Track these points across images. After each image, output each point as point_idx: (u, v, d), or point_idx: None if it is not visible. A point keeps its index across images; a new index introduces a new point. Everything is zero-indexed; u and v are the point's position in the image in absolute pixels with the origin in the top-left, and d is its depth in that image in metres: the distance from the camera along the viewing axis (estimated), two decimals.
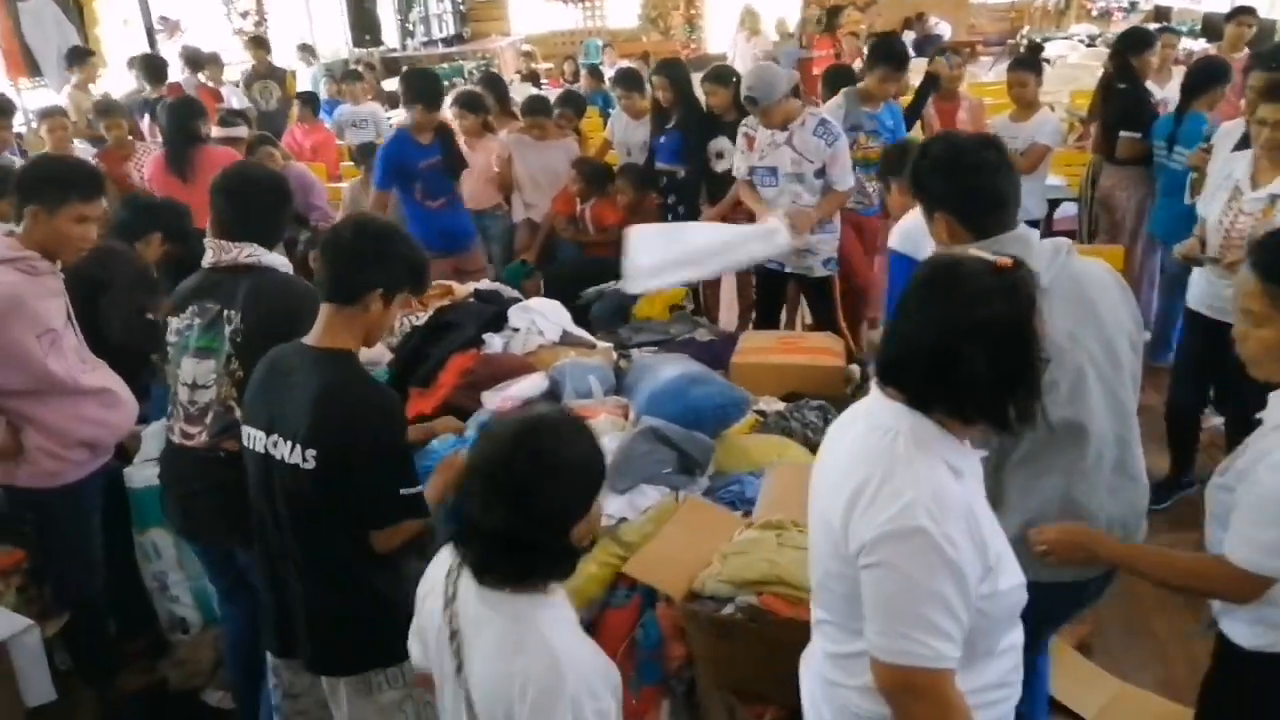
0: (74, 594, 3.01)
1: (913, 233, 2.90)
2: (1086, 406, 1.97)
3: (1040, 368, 1.46)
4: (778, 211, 4.35)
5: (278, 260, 2.59)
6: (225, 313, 2.50)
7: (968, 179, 2.04)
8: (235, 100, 8.26)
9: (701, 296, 5.77)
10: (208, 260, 2.57)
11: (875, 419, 1.54)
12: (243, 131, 6.13)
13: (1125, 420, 2.06)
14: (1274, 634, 1.85)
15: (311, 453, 2.02)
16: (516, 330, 3.62)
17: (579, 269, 5.41)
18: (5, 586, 3.01)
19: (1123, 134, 4.83)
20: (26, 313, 2.66)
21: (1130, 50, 4.95)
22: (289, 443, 2.05)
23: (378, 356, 3.71)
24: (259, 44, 9.25)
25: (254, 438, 2.14)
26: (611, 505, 2.76)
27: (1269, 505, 1.72)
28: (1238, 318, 1.87)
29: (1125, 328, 2.07)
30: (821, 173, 4.42)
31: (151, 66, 7.59)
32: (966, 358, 1.42)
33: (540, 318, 3.67)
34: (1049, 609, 2.05)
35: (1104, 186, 5.01)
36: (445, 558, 1.65)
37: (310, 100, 8.05)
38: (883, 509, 1.43)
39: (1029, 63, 5.40)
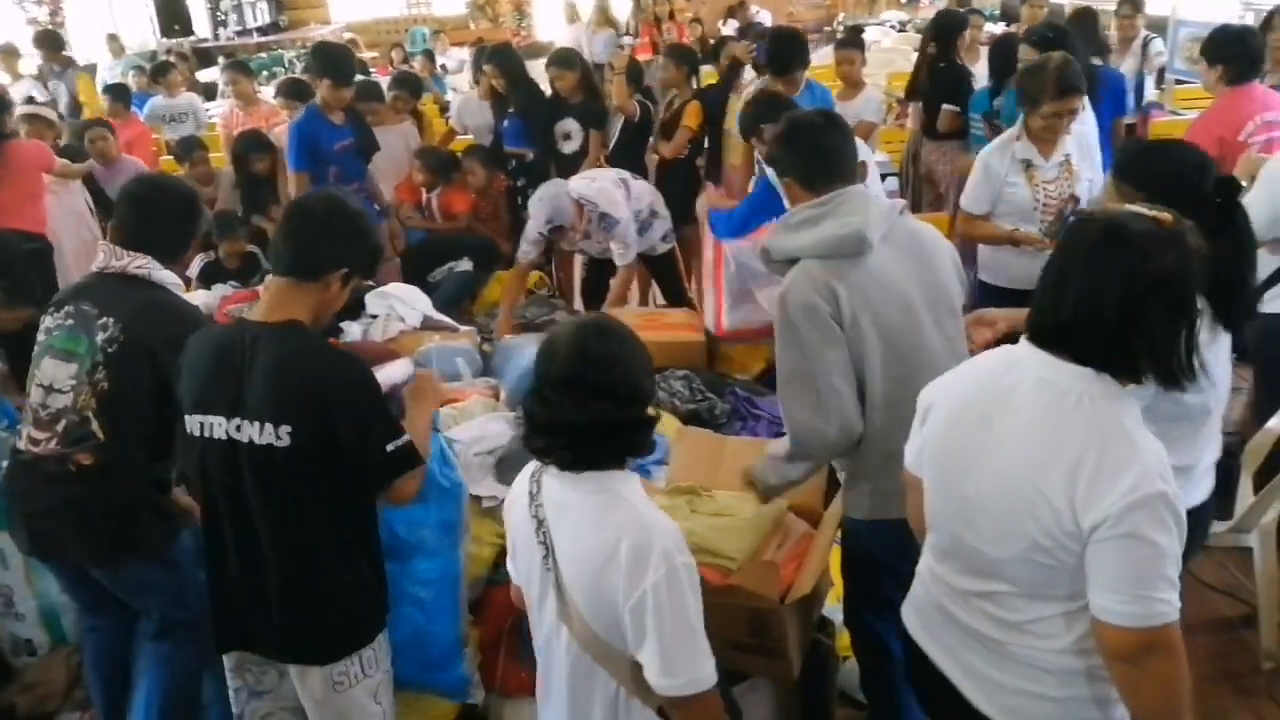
0: None
1: None
2: (924, 343, 2.15)
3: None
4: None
5: (169, 278, 2.47)
6: (102, 319, 2.35)
7: (801, 140, 2.24)
8: (37, 93, 7.66)
9: (555, 279, 5.81)
10: (97, 264, 2.43)
11: (1054, 384, 1.52)
12: (49, 113, 5.70)
13: (957, 358, 2.18)
14: None
15: (285, 429, 1.94)
16: (375, 317, 3.56)
17: (428, 250, 5.30)
18: None
19: (945, 107, 5.16)
20: None
21: (952, 31, 5.29)
22: (256, 423, 1.96)
23: None
24: (49, 41, 8.49)
25: (212, 425, 2.01)
26: (493, 488, 2.77)
27: None
28: None
29: (954, 280, 2.28)
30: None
31: None
32: (1150, 313, 1.44)
33: (399, 303, 3.61)
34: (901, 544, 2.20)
35: (926, 161, 5.34)
36: (528, 469, 1.76)
37: (121, 93, 7.54)
38: (1116, 480, 1.43)
39: (854, 43, 5.66)
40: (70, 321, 2.38)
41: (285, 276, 2.04)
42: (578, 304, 5.41)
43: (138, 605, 2.52)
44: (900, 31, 12.95)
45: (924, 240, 2.26)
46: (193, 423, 2.05)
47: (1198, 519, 2.10)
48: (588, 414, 1.58)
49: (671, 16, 10.87)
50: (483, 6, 16.35)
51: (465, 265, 5.02)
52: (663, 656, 1.53)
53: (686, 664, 1.54)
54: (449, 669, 2.51)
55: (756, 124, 3.65)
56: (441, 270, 4.98)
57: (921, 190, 5.45)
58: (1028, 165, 3.50)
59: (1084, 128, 3.65)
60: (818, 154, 2.21)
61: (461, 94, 8.09)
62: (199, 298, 3.97)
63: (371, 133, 5.15)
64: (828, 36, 13.84)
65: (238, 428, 1.98)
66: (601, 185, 4.34)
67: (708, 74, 6.25)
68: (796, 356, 2.15)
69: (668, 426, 3.21)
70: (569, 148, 5.33)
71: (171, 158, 7.22)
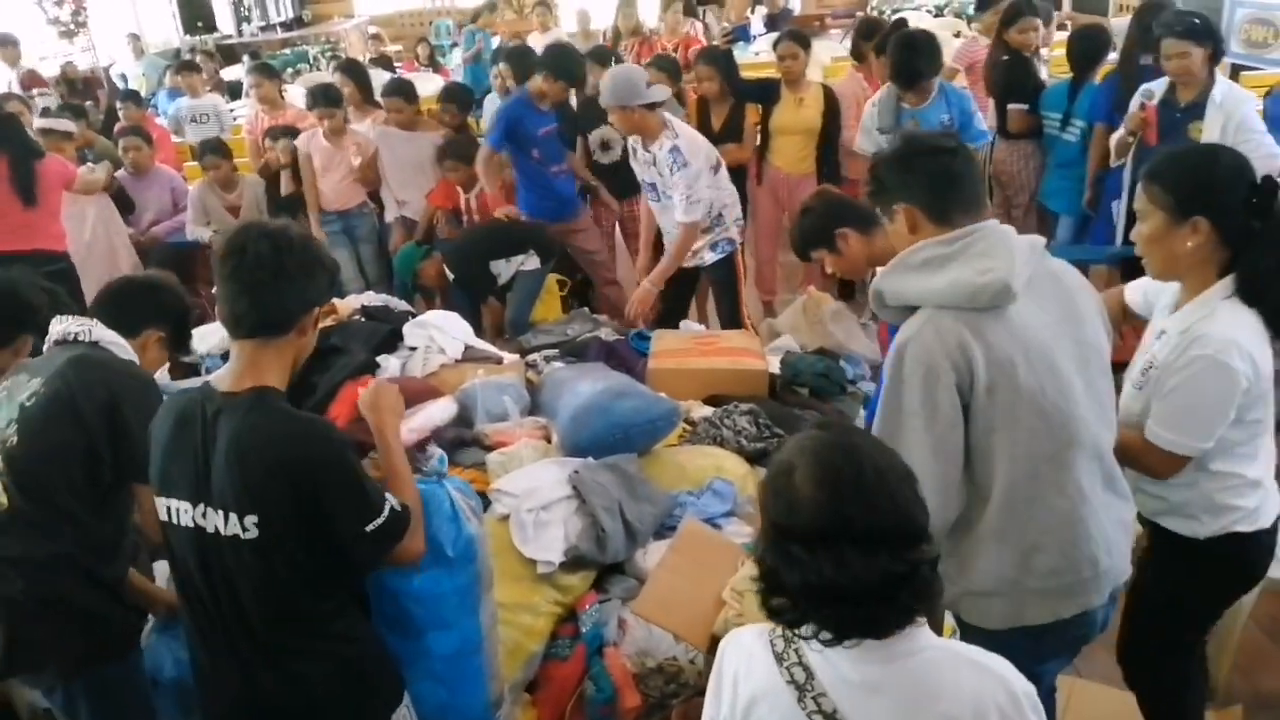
0: None
1: None
2: (1077, 412, 1.82)
3: None
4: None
5: (108, 336, 2.23)
6: (31, 381, 2.14)
7: (925, 162, 1.89)
8: (53, 102, 7.46)
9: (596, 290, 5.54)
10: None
11: None
12: (66, 125, 5.43)
13: (1107, 428, 1.92)
14: (1223, 518, 2.10)
15: (251, 519, 1.69)
16: (414, 349, 3.28)
17: (490, 236, 4.95)
18: None
19: (1011, 107, 4.78)
20: None
21: (1006, 24, 4.87)
22: (220, 512, 1.71)
23: None
24: None
25: (177, 511, 1.77)
26: (548, 550, 2.50)
27: (1178, 399, 2.00)
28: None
29: (1101, 333, 1.95)
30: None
31: None
32: None
33: (439, 333, 3.33)
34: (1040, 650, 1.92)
35: (997, 160, 4.98)
36: (749, 646, 1.36)
37: (135, 97, 7.30)
38: None
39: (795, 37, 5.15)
40: (2, 393, 2.15)
41: (250, 338, 1.76)
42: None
43: None
44: (937, 16, 12.45)
45: (1069, 286, 1.92)
46: (161, 505, 1.82)
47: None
48: (853, 572, 1.20)
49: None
50: None
51: (533, 261, 4.76)
52: None
53: None
54: None
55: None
56: (504, 263, 4.73)
57: (993, 192, 5.08)
58: None
59: None
60: (948, 179, 1.87)
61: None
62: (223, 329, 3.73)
63: (574, 117, 5.22)
64: (861, 23, 13.36)
65: (203, 515, 1.75)
66: (695, 139, 4.08)
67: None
68: (891, 421, 1.83)
69: (735, 470, 2.92)
70: (607, 158, 5.02)
71: (195, 161, 7.03)
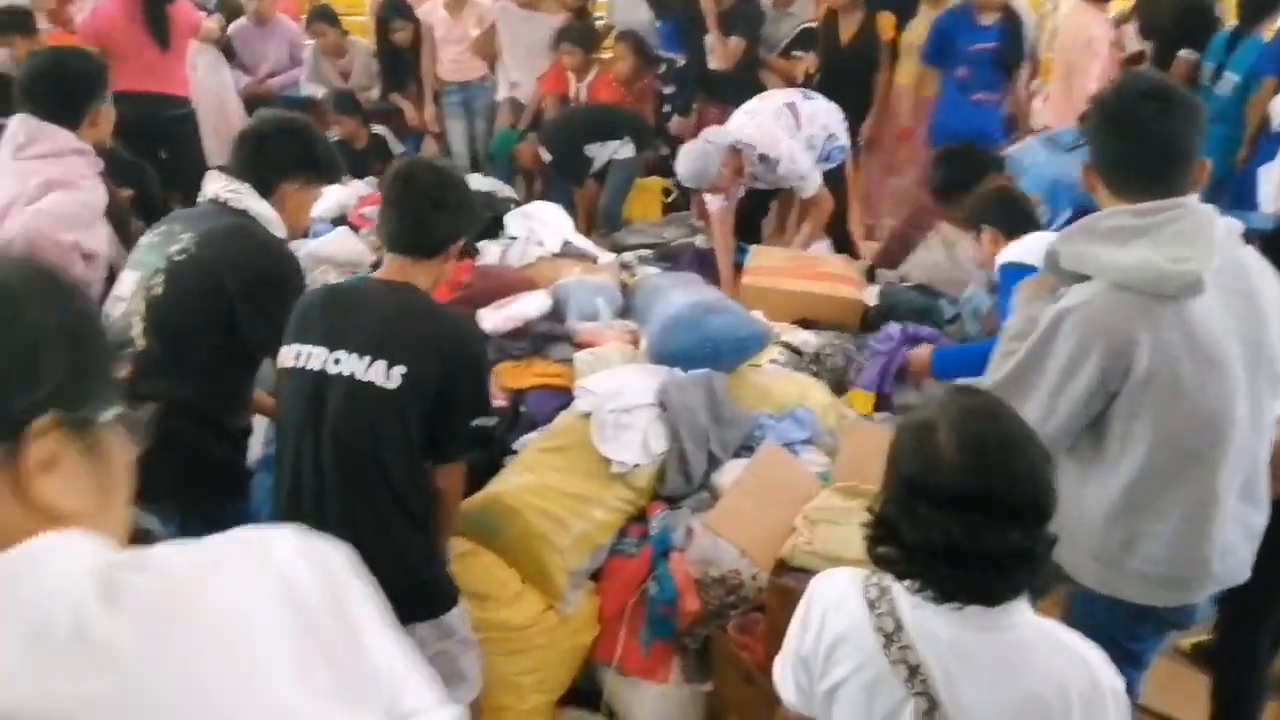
0: None
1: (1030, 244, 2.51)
2: (1231, 416, 1.72)
3: None
4: None
5: (261, 209, 2.28)
6: (183, 234, 2.23)
7: (1121, 123, 1.71)
8: None
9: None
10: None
11: None
12: None
13: (1261, 436, 1.81)
14: None
15: (400, 370, 1.88)
16: (514, 239, 3.32)
17: (577, 121, 4.91)
18: None
19: (1183, 54, 4.21)
20: None
21: None
22: (365, 357, 1.89)
23: (358, 258, 3.40)
24: None
25: (307, 354, 1.94)
26: (626, 451, 2.56)
27: None
28: None
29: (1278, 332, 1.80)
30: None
31: None
32: None
33: (540, 225, 3.36)
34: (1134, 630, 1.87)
35: None
36: (844, 579, 1.38)
37: None
38: None
39: None
40: (156, 238, 2.24)
41: (402, 254, 2.00)
42: None
43: None
44: None
45: (1254, 281, 1.74)
46: (288, 353, 1.98)
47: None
48: (984, 543, 1.20)
49: None
50: None
51: (628, 149, 4.69)
52: None
53: None
54: None
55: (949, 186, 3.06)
56: (600, 146, 4.68)
57: None
58: None
59: None
60: (1140, 148, 1.68)
61: None
62: (334, 195, 3.77)
63: (1021, 43, 4.54)
64: None
65: (337, 360, 1.91)
66: (761, 120, 3.87)
67: None
68: (1023, 371, 1.77)
69: (819, 399, 2.92)
70: (714, 63, 4.80)
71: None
